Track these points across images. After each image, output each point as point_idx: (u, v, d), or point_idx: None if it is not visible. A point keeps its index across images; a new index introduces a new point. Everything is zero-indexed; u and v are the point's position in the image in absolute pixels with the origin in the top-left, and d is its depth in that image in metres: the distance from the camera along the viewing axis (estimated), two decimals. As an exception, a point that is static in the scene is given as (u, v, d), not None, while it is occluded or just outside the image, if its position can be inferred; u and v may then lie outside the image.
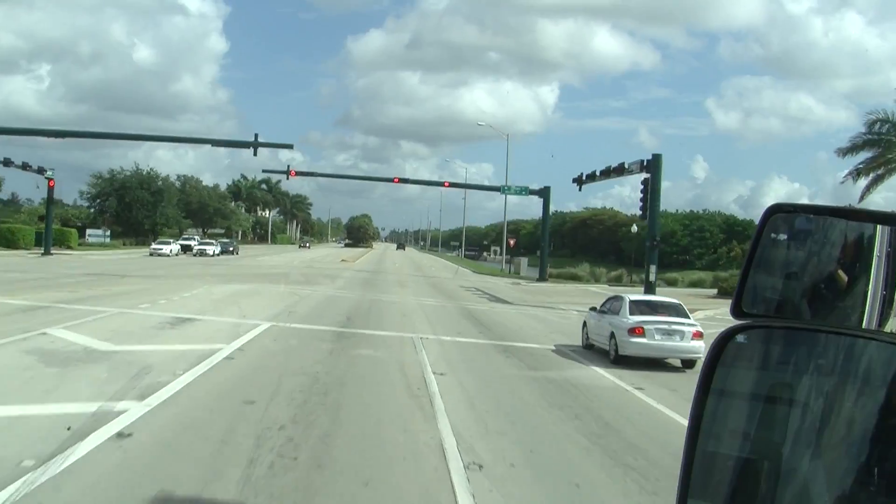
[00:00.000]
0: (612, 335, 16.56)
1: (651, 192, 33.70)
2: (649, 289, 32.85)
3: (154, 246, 68.08)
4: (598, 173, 40.48)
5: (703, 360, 1.64)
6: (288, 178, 52.18)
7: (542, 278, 55.35)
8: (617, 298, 18.25)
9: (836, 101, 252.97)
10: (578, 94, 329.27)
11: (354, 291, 33.07)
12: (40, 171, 53.50)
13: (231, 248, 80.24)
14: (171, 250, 66.65)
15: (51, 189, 55.59)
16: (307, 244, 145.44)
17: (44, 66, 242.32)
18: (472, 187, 59.01)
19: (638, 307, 16.92)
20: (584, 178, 43.90)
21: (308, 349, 14.74)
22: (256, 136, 38.06)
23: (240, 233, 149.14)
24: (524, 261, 71.23)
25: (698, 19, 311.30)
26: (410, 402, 10.70)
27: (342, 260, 75.52)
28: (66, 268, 39.78)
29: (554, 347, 18.26)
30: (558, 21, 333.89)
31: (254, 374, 11.83)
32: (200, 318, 18.54)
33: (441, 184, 54.38)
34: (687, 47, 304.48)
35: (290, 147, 39.31)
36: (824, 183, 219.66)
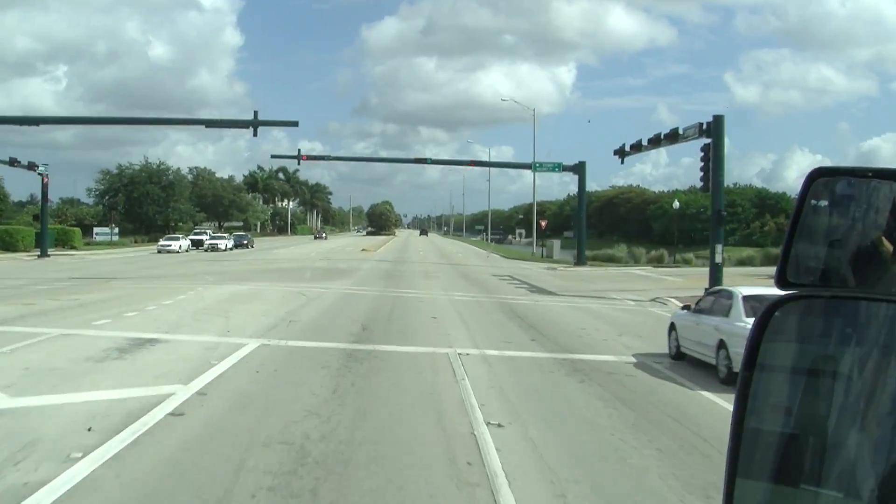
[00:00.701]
0: (722, 345, 11.97)
1: (714, 159, 28.81)
2: (716, 271, 28.11)
3: (162, 242, 64.21)
4: (645, 142, 35.57)
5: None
6: (299, 164, 47.95)
7: (580, 262, 50.56)
8: (723, 294, 13.63)
9: (856, 71, 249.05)
10: (596, 74, 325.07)
11: (374, 286, 28.59)
12: (31, 166, 49.34)
13: (245, 242, 76.14)
14: (180, 246, 62.86)
15: (45, 186, 51.38)
16: (323, 234, 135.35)
17: (60, 67, 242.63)
18: (499, 165, 54.58)
19: (754, 306, 12.25)
20: (627, 148, 39.02)
21: (301, 388, 10.23)
22: (256, 113, 33.55)
23: (258, 225, 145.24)
24: (556, 243, 66.47)
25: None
26: (459, 499, 6.23)
27: (362, 249, 71.08)
28: (55, 271, 35.76)
29: (634, 360, 13.68)
30: (572, 0, 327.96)
31: (202, 451, 7.31)
32: (168, 339, 14.09)
33: (467, 163, 49.91)
34: (703, 22, 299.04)
35: (294, 124, 34.66)
36: (847, 153, 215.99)
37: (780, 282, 1.72)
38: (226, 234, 79.15)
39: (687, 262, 60.46)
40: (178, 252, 60.50)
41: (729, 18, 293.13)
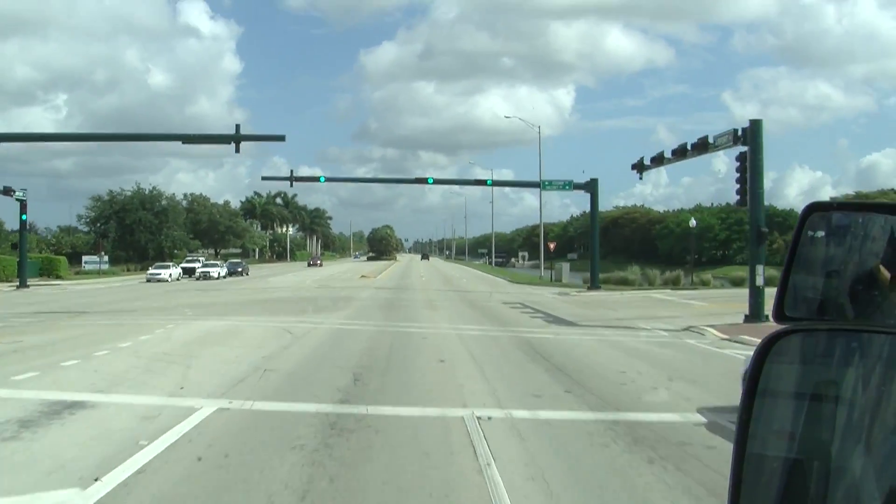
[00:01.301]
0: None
1: (752, 168, 25.68)
2: (757, 295, 24.90)
3: (151, 271, 61.19)
4: (668, 154, 32.49)
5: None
6: (292, 185, 45.02)
7: (593, 286, 47.28)
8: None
9: (853, 87, 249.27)
10: (595, 95, 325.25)
11: (372, 320, 25.32)
12: (6, 191, 46.24)
13: (240, 269, 72.86)
14: (170, 275, 59.79)
15: (23, 213, 48.20)
16: (318, 261, 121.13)
17: (60, 96, 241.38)
18: (506, 184, 51.39)
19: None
20: (647, 162, 35.95)
21: (256, 492, 6.92)
22: (238, 127, 30.58)
23: (256, 251, 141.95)
24: (566, 266, 63.12)
25: (710, 13, 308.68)
26: None
27: (361, 276, 67.75)
28: (24, 304, 32.69)
29: (703, 419, 10.38)
30: (570, 23, 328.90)
31: None
32: (98, 402, 10.76)
33: (472, 182, 46.76)
34: (700, 42, 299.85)
35: (280, 139, 31.58)
36: (847, 170, 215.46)
37: (778, 315, 1.79)
38: (219, 262, 75.99)
39: (705, 284, 57.39)
40: (167, 281, 57.45)
41: (726, 38, 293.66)
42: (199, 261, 72.73)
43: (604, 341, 20.52)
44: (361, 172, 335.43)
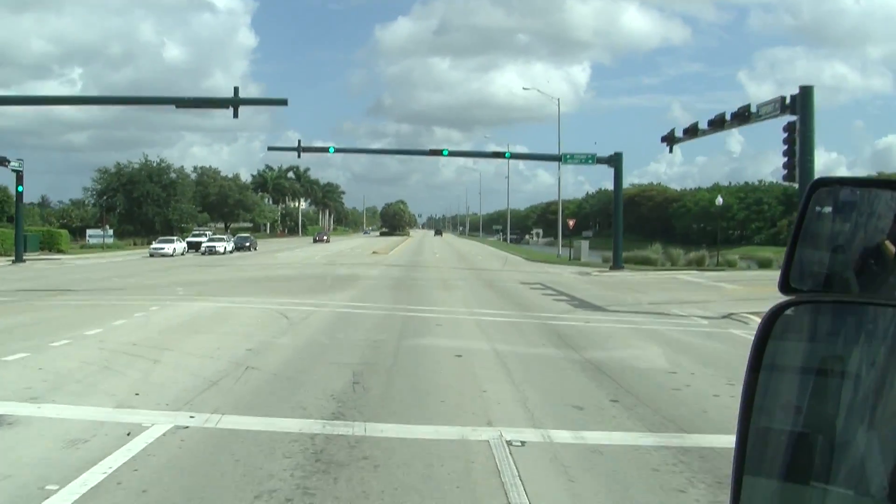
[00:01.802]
0: None
1: (802, 140, 23.06)
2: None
3: (154, 245, 59.07)
4: (704, 125, 29.89)
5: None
6: (300, 156, 42.61)
7: (616, 265, 44.77)
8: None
9: (870, 68, 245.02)
10: (610, 73, 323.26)
11: (380, 301, 23.02)
12: (1, 162, 44.03)
13: (248, 244, 70.66)
14: (174, 250, 57.59)
15: (19, 184, 46.00)
16: (325, 236, 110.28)
17: (76, 70, 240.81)
18: (525, 157, 48.84)
19: None
20: (678, 135, 33.34)
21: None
22: (236, 90, 28.18)
23: (268, 225, 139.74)
24: (584, 244, 60.43)
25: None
26: None
27: (373, 252, 65.49)
28: (12, 279, 30.79)
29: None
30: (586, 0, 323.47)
31: None
32: (23, 416, 8.38)
33: (490, 154, 44.22)
34: (717, 21, 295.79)
35: (283, 103, 29.22)
36: (862, 151, 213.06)
37: (783, 287, 1.78)
38: (226, 236, 73.84)
39: (731, 265, 54.56)
40: (170, 256, 55.38)
41: (743, 17, 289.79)
42: (205, 235, 70.61)
43: (639, 331, 18.15)
44: (375, 147, 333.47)
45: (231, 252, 63.46)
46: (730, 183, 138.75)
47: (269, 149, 46.21)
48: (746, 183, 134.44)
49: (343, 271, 38.30)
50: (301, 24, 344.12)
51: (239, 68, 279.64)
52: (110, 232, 71.41)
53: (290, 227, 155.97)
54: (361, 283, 30.91)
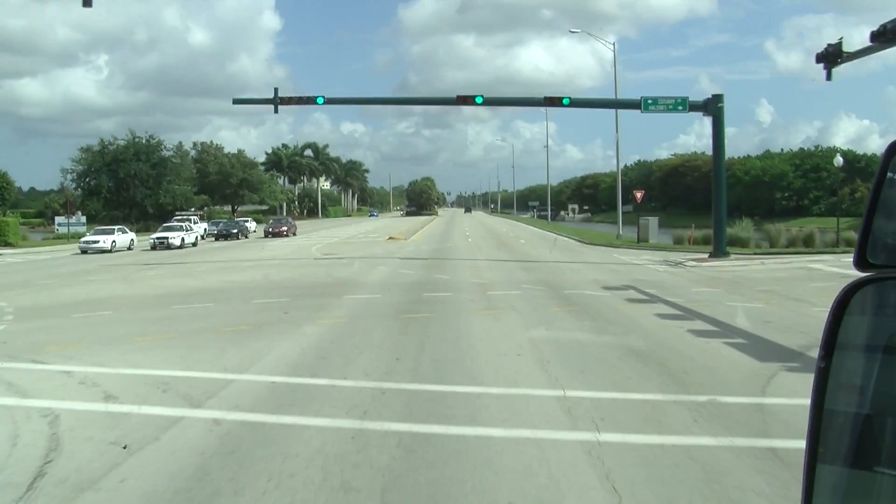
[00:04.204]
0: None
1: None
2: None
3: (86, 239, 45.42)
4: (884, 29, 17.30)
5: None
6: (276, 111, 30.72)
7: (718, 252, 32.10)
8: None
9: None
10: (636, 46, 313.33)
11: (355, 368, 10.83)
12: None
13: (235, 231, 58.14)
14: (113, 243, 43.81)
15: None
16: (283, 227, 65.25)
17: (102, 57, 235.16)
18: (589, 105, 36.24)
19: None
20: (845, 49, 20.72)
21: None
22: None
23: (284, 207, 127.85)
24: (653, 221, 47.66)
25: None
26: None
27: (389, 238, 52.80)
28: None
29: None
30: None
31: None
32: None
33: (540, 102, 31.87)
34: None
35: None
36: (895, 117, 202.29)
37: (860, 262, 1.65)
38: (196, 218, 61.23)
39: (850, 244, 41.01)
40: (109, 251, 42.44)
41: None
42: (191, 219, 58.27)
43: None
44: (403, 127, 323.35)
45: (209, 241, 51.27)
46: (781, 150, 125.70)
47: (234, 101, 33.52)
48: (802, 149, 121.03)
49: (336, 274, 26.12)
50: (324, 5, 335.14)
51: (264, 51, 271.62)
52: (83, 219, 59.84)
53: (309, 208, 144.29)
54: (346, 303, 18.45)
